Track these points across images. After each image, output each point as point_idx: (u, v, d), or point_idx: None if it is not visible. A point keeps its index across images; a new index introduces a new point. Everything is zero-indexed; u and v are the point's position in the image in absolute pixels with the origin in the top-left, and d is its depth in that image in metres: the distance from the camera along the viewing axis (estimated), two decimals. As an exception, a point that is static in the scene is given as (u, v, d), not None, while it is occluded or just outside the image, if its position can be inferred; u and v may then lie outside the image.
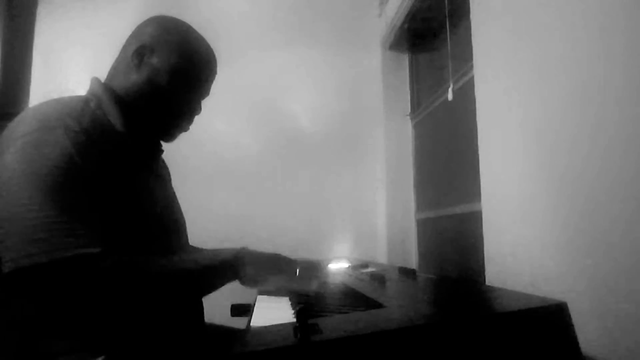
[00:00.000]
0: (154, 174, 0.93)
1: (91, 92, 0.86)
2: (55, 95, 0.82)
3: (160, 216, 0.86)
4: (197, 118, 0.98)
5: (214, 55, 0.95)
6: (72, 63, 2.32)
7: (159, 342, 0.76)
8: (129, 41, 0.91)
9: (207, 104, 1.00)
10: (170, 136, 0.95)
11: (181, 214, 1.02)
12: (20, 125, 0.71)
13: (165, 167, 1.07)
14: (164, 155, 1.03)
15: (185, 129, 0.96)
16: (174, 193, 1.04)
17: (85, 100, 0.81)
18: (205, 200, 2.24)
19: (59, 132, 0.69)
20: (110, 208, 0.72)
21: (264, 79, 2.49)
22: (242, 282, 0.85)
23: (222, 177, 2.37)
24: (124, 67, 0.88)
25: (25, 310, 0.68)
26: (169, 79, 0.87)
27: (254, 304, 0.82)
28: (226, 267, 0.80)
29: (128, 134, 0.83)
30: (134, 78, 0.87)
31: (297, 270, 0.89)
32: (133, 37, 0.91)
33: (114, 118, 0.82)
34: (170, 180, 1.07)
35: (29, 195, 0.63)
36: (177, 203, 1.03)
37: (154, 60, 0.87)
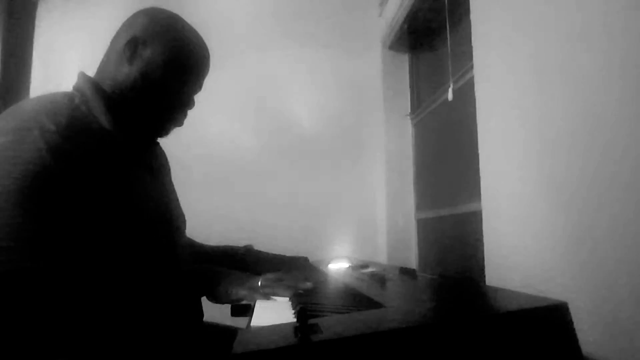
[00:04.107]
0: (149, 168, 0.90)
1: (77, 88, 0.83)
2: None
3: (153, 211, 0.84)
4: (196, 118, 0.97)
5: (207, 49, 0.93)
6: (72, 63, 2.31)
7: (159, 342, 0.76)
8: (119, 33, 0.88)
9: (206, 103, 0.99)
10: (163, 130, 0.92)
11: (179, 207, 1.00)
12: None
13: (164, 156, 1.04)
14: (164, 148, 1.00)
15: (179, 124, 0.94)
16: (172, 186, 1.02)
17: (69, 97, 0.79)
18: (205, 201, 2.24)
19: (35, 134, 0.67)
20: (96, 206, 0.70)
21: (263, 79, 2.49)
22: (213, 300, 0.82)
23: (221, 178, 2.37)
24: (114, 59, 0.86)
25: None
26: (162, 72, 0.85)
27: (254, 304, 0.82)
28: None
29: (114, 129, 0.81)
30: (126, 70, 0.84)
31: (260, 280, 0.87)
32: (124, 30, 0.88)
33: (99, 113, 0.80)
34: (169, 171, 1.04)
35: None
36: (175, 196, 1.01)
37: (147, 52, 0.84)
